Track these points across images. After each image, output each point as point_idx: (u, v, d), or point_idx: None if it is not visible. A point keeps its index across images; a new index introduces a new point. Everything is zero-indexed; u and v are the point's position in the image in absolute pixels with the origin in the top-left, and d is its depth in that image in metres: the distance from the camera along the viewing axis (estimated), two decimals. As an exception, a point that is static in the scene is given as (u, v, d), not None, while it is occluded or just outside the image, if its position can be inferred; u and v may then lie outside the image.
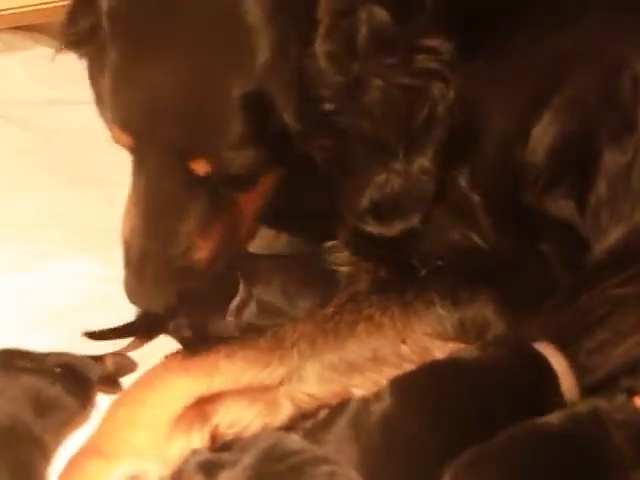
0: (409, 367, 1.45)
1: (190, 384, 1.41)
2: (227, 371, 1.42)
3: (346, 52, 1.41)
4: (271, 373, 1.43)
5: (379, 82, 1.42)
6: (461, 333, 1.47)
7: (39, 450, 1.43)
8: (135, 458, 1.36)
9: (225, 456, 1.34)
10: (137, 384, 1.45)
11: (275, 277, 1.70)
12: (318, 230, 1.66)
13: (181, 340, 1.63)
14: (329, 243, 1.64)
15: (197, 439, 1.39)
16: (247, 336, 1.48)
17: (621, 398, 1.34)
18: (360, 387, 1.44)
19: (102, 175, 2.01)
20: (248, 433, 1.41)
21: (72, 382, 1.54)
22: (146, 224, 1.53)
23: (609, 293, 1.46)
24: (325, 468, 1.29)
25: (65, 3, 1.59)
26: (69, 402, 1.51)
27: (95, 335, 1.63)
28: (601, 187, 1.50)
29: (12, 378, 1.51)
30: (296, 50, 1.41)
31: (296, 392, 1.44)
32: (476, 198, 1.51)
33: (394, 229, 1.49)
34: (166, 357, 1.53)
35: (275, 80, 1.41)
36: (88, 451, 1.39)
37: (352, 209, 1.49)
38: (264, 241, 1.79)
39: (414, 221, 1.49)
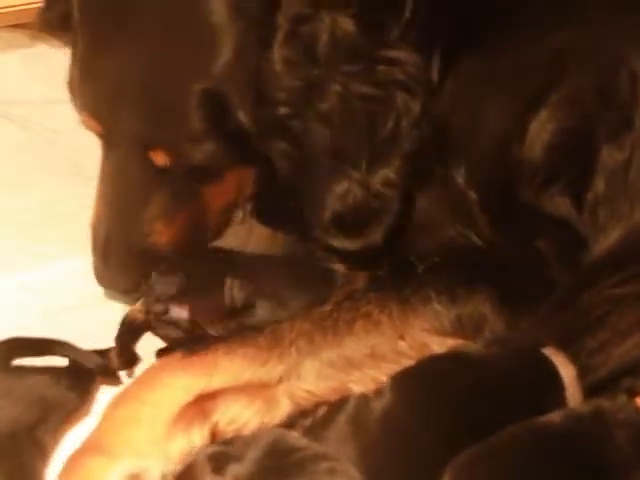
0: (407, 363, 1.45)
1: (189, 382, 1.42)
2: (226, 369, 1.43)
3: (304, 58, 1.43)
4: (270, 371, 1.43)
5: (337, 88, 1.44)
6: (458, 329, 1.47)
7: (38, 451, 1.44)
8: (135, 456, 1.37)
9: (232, 449, 1.34)
10: (137, 382, 1.46)
11: (265, 278, 1.70)
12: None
13: (170, 342, 1.64)
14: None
15: (197, 437, 1.40)
16: (246, 334, 1.49)
17: (623, 398, 1.34)
18: (358, 384, 1.45)
19: (102, 174, 2.02)
20: (247, 431, 1.41)
21: (73, 376, 1.55)
22: (109, 210, 1.59)
23: (608, 293, 1.46)
24: (325, 465, 1.30)
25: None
26: (70, 399, 1.52)
27: None
28: (599, 185, 1.50)
29: (18, 378, 1.52)
30: (255, 53, 1.44)
31: (295, 389, 1.44)
32: (473, 195, 1.52)
33: (357, 244, 1.51)
34: (158, 352, 1.56)
35: (234, 80, 1.45)
36: (88, 449, 1.39)
37: (315, 220, 1.51)
38: (262, 241, 1.80)
39: (377, 237, 1.50)
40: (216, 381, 1.42)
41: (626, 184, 1.49)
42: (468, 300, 1.47)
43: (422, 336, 1.47)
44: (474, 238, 1.51)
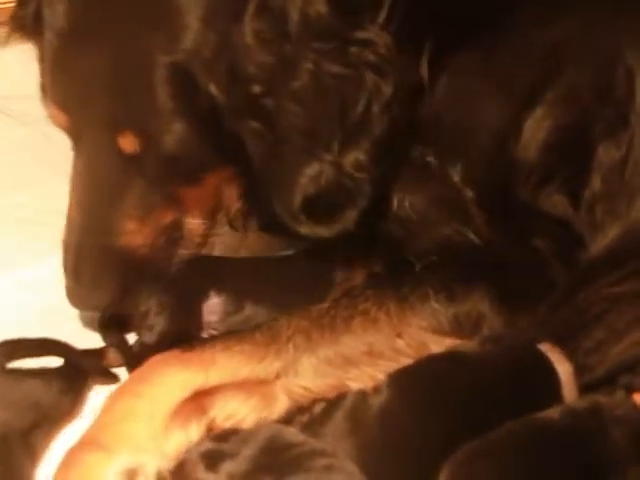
0: (405, 361, 1.45)
1: (187, 377, 1.42)
2: (224, 365, 1.43)
3: (275, 33, 1.42)
4: (267, 367, 1.44)
5: (309, 66, 1.43)
6: (456, 328, 1.47)
7: (29, 454, 1.44)
8: (133, 451, 1.37)
9: (226, 447, 1.34)
10: (135, 377, 1.46)
11: (258, 283, 1.69)
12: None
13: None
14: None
15: (194, 432, 1.40)
16: (243, 331, 1.49)
17: (620, 394, 1.35)
18: (356, 381, 1.45)
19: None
20: (245, 426, 1.41)
21: (66, 379, 1.53)
22: (82, 210, 1.56)
23: (605, 291, 1.47)
24: (322, 461, 1.30)
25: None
26: (63, 403, 1.52)
27: None
28: (595, 182, 1.50)
29: (13, 382, 1.51)
30: (226, 25, 1.42)
31: (292, 386, 1.44)
32: (469, 193, 1.52)
33: (329, 230, 1.49)
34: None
35: (203, 53, 1.43)
36: (86, 444, 1.39)
37: (285, 206, 1.49)
38: (254, 248, 1.79)
39: (349, 222, 1.49)
40: (213, 377, 1.42)
41: (623, 182, 1.49)
42: (466, 298, 1.48)
43: (420, 334, 1.47)
44: (471, 236, 1.51)
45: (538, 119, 1.51)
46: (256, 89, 1.43)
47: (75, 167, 1.58)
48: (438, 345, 1.47)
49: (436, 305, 1.47)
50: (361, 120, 1.46)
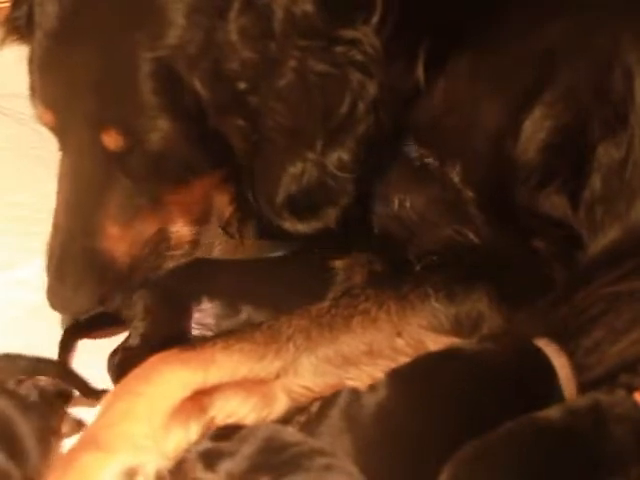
0: (404, 360, 1.45)
1: (186, 376, 1.41)
2: (223, 364, 1.43)
3: (260, 30, 1.43)
4: (267, 366, 1.43)
5: (294, 64, 1.43)
6: (456, 327, 1.47)
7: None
8: (132, 450, 1.36)
9: (225, 446, 1.34)
10: (134, 376, 1.44)
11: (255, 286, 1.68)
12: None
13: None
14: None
15: (194, 431, 1.39)
16: (243, 330, 1.49)
17: (621, 393, 1.35)
18: (356, 380, 1.45)
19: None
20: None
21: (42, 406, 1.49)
22: (66, 211, 1.56)
23: (604, 291, 1.47)
24: (322, 460, 1.29)
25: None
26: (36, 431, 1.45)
27: None
28: (595, 182, 1.50)
29: None
30: (210, 22, 1.43)
31: (292, 385, 1.44)
32: (469, 194, 1.52)
33: (311, 226, 1.50)
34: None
35: (188, 48, 1.44)
36: (85, 443, 1.39)
37: (269, 203, 1.49)
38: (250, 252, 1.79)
39: (331, 219, 1.50)
40: (213, 376, 1.42)
41: (623, 182, 1.50)
42: (466, 298, 1.48)
43: (419, 333, 1.47)
44: (471, 237, 1.51)
45: (537, 120, 1.51)
46: (241, 86, 1.44)
47: (61, 167, 1.59)
48: (437, 345, 1.47)
49: (436, 304, 1.47)
50: (345, 119, 1.46)
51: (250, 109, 1.45)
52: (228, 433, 1.37)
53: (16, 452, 1.40)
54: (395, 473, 1.32)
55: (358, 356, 1.46)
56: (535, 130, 1.51)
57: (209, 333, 1.62)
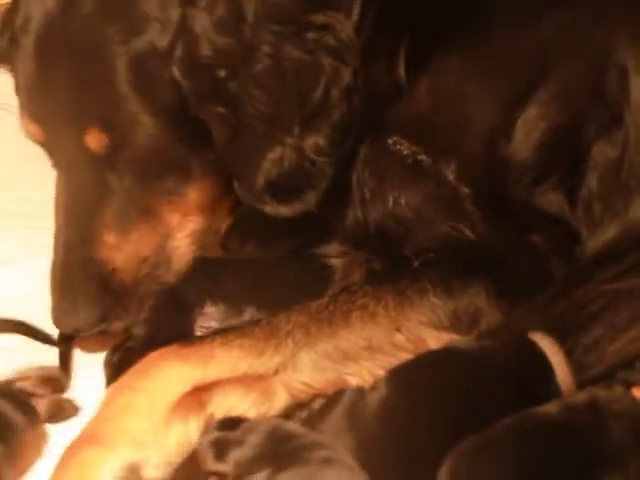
0: (404, 356, 1.45)
1: (186, 372, 1.42)
2: (222, 359, 1.43)
3: (233, 16, 1.44)
4: (266, 362, 1.44)
5: (268, 49, 1.44)
6: (454, 322, 1.47)
7: None
8: (132, 446, 1.37)
9: (233, 436, 1.34)
10: (134, 372, 1.45)
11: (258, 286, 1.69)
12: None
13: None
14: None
15: (194, 427, 1.40)
16: (242, 326, 1.49)
17: (619, 388, 1.34)
18: (355, 376, 1.45)
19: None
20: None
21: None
22: (64, 225, 1.55)
23: (603, 288, 1.47)
24: (321, 453, 1.30)
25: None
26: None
27: None
28: (591, 181, 1.50)
29: None
30: (183, 10, 1.44)
31: (291, 381, 1.45)
32: (465, 191, 1.51)
33: (292, 209, 1.51)
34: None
35: (162, 39, 1.45)
36: (85, 439, 1.39)
37: (250, 187, 1.50)
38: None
39: (311, 202, 1.50)
40: (212, 371, 1.42)
41: (619, 181, 1.49)
42: (464, 293, 1.48)
43: (418, 329, 1.47)
44: (468, 233, 1.51)
45: (531, 119, 1.51)
46: (221, 74, 1.45)
47: (57, 184, 1.59)
48: (436, 340, 1.47)
49: (434, 300, 1.47)
50: (320, 105, 1.47)
51: (230, 96, 1.45)
52: (233, 424, 1.38)
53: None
54: (395, 468, 1.32)
55: (357, 351, 1.46)
56: (529, 129, 1.51)
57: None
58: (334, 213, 1.58)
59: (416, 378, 1.40)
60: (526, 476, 1.25)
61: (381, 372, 1.43)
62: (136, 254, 1.56)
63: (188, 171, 1.54)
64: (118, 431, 1.38)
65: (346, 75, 1.48)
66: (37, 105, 1.55)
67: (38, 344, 1.66)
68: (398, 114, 1.54)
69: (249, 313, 1.61)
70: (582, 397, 1.34)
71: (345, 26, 1.48)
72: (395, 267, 1.53)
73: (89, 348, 1.66)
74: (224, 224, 1.63)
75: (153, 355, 1.45)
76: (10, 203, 2.02)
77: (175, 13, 1.45)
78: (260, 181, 1.48)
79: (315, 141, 1.48)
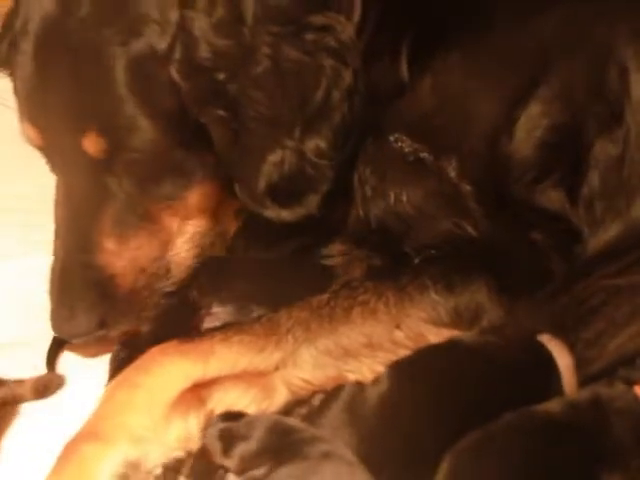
0: (404, 353, 1.45)
1: (186, 368, 1.42)
2: (222, 355, 1.43)
3: (232, 17, 1.44)
4: (266, 358, 1.44)
5: (267, 50, 1.44)
6: (455, 319, 1.47)
7: None
8: (132, 442, 1.37)
9: (238, 430, 1.34)
10: (133, 368, 1.45)
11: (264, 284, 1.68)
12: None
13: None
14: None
15: (193, 423, 1.40)
16: (243, 322, 1.49)
17: (621, 386, 1.34)
18: (355, 372, 1.45)
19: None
20: (245, 417, 1.42)
21: None
22: (64, 230, 1.55)
23: (603, 283, 1.46)
24: (321, 447, 1.30)
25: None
26: None
27: None
28: (593, 179, 1.50)
29: None
30: (182, 12, 1.44)
31: (291, 377, 1.44)
32: (467, 187, 1.51)
33: (294, 213, 1.51)
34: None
35: (161, 41, 1.44)
36: (85, 435, 1.39)
37: (250, 192, 1.50)
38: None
39: (312, 205, 1.51)
40: (212, 367, 1.42)
41: (621, 179, 1.49)
42: (465, 289, 1.47)
43: (419, 325, 1.47)
44: (469, 229, 1.51)
45: (533, 117, 1.51)
46: (220, 76, 1.44)
47: (56, 190, 1.59)
48: (437, 337, 1.46)
49: (435, 296, 1.47)
50: (321, 107, 1.47)
51: (230, 98, 1.45)
52: (235, 417, 1.37)
53: None
54: (395, 462, 1.32)
55: (357, 348, 1.46)
56: (531, 127, 1.51)
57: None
58: (337, 213, 1.58)
59: (419, 372, 1.40)
60: (528, 473, 1.25)
61: (381, 369, 1.43)
62: (135, 259, 1.56)
63: (187, 175, 1.54)
64: (118, 427, 1.38)
65: (347, 76, 1.47)
66: (35, 108, 1.54)
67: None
68: (400, 112, 1.54)
69: (257, 313, 1.60)
70: (584, 394, 1.34)
71: (346, 27, 1.48)
72: (396, 263, 1.53)
73: (89, 348, 1.66)
74: (231, 228, 1.64)
75: (153, 351, 1.45)
76: (7, 199, 2.02)
77: (174, 15, 1.45)
78: (261, 185, 1.48)
79: (316, 144, 1.48)
